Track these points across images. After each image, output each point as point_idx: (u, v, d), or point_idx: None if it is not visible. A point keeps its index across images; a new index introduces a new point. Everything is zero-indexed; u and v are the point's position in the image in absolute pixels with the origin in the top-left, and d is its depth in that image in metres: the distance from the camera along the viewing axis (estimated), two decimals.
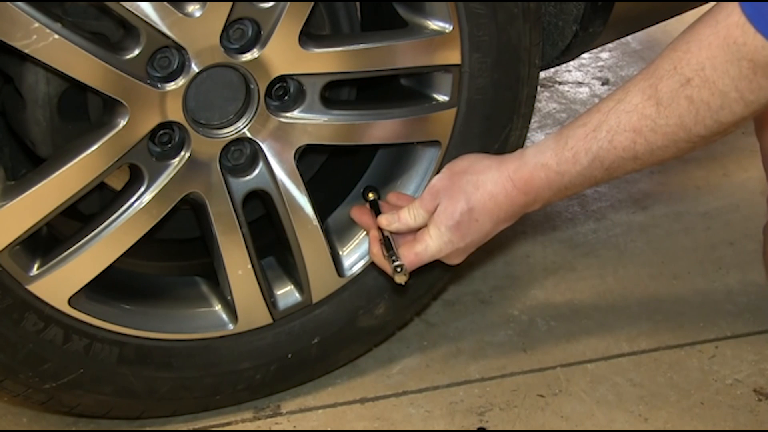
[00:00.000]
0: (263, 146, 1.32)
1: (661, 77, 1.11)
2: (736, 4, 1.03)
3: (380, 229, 1.33)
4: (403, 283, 1.30)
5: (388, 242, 1.31)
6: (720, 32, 1.05)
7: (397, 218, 1.32)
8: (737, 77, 1.05)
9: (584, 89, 2.53)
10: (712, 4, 1.09)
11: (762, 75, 1.04)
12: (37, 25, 1.10)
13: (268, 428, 1.45)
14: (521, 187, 1.24)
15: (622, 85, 1.17)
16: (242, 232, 1.34)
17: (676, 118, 1.11)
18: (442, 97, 1.39)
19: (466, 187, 1.27)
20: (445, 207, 1.27)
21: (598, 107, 1.19)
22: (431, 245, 1.29)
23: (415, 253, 1.29)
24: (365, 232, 1.41)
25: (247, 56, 1.24)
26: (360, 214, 1.39)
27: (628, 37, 2.68)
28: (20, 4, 1.09)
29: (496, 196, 1.26)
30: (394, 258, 1.29)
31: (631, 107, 1.14)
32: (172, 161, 1.26)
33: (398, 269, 1.28)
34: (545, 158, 1.22)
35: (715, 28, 1.05)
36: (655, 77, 1.12)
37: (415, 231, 1.32)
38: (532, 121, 1.82)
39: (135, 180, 1.26)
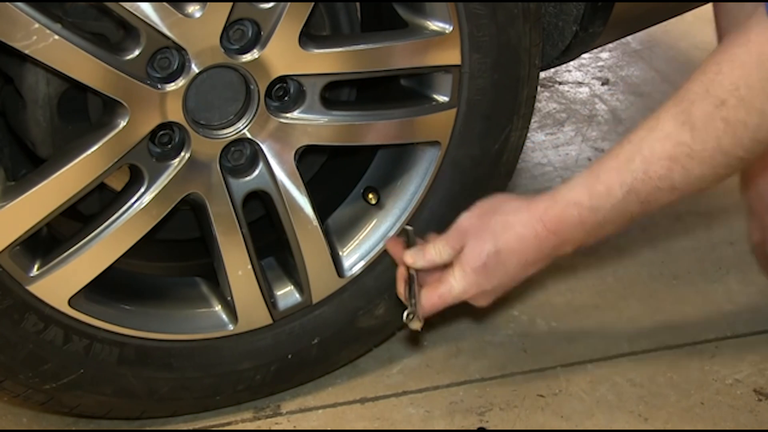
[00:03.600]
0: (263, 147, 1.32)
1: (693, 101, 1.08)
2: (767, 21, 1.01)
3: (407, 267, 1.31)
4: (418, 329, 1.30)
5: (411, 283, 1.29)
6: (752, 50, 1.03)
7: (422, 255, 1.29)
8: None
9: (584, 89, 2.53)
10: (712, 4, 1.09)
11: None
12: (37, 25, 1.10)
13: (268, 428, 1.45)
14: (552, 228, 1.20)
15: (652, 114, 1.13)
16: (242, 232, 1.34)
17: (714, 142, 1.07)
18: (442, 98, 1.39)
19: (494, 227, 1.23)
20: (472, 248, 1.24)
21: (629, 138, 1.15)
22: (455, 287, 1.26)
23: (438, 295, 1.27)
24: (365, 233, 1.41)
25: (247, 57, 1.24)
26: (393, 245, 1.35)
27: (628, 37, 2.67)
28: (20, 4, 1.09)
29: (525, 237, 1.22)
30: (407, 306, 1.28)
31: (664, 135, 1.11)
32: (172, 162, 1.26)
33: (410, 316, 1.28)
34: (576, 195, 1.18)
35: (747, 47, 1.03)
36: (686, 101, 1.09)
37: (441, 268, 1.29)
38: (532, 121, 1.82)
39: (135, 181, 1.26)
